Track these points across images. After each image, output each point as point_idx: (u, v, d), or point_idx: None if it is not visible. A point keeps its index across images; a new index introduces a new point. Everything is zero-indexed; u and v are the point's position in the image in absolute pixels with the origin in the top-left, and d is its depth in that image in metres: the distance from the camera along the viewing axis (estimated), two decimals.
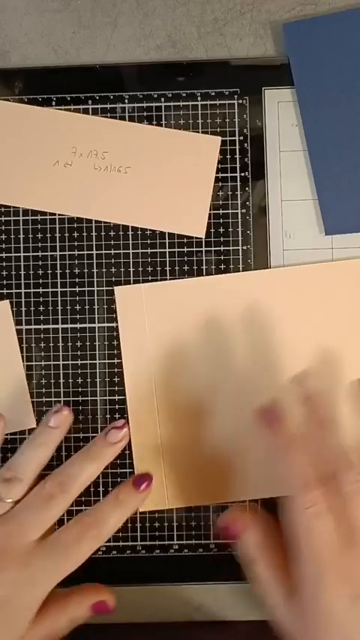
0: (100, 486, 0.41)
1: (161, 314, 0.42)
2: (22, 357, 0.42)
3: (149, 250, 0.42)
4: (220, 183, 0.42)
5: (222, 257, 0.42)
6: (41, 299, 0.43)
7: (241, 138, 0.42)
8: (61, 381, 0.42)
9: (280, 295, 0.42)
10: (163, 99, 0.43)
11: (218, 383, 0.42)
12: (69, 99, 0.43)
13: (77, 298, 0.43)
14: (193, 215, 0.42)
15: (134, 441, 0.41)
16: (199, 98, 0.43)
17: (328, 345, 0.41)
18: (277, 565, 0.35)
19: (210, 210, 0.42)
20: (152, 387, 0.42)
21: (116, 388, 0.42)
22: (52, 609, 0.36)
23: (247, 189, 0.42)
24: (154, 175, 0.42)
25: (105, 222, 0.43)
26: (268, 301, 0.42)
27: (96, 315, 0.42)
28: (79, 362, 0.42)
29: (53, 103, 0.43)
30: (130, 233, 0.43)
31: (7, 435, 0.42)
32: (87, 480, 0.39)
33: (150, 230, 0.42)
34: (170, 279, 0.42)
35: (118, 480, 0.42)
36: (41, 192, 0.42)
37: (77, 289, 0.43)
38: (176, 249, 0.42)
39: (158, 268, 0.42)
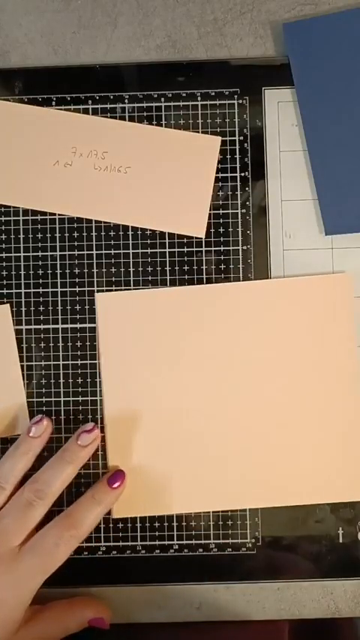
0: (82, 487, 0.41)
1: (142, 322, 0.42)
2: (22, 357, 0.42)
3: (149, 250, 0.42)
4: (220, 183, 0.42)
5: (222, 257, 0.42)
6: (41, 299, 0.43)
7: (241, 138, 0.42)
8: (61, 381, 0.42)
9: (266, 306, 0.41)
10: (163, 99, 0.43)
11: (199, 391, 0.41)
12: (69, 99, 0.43)
13: (77, 298, 0.43)
14: (193, 215, 0.42)
15: (110, 449, 0.41)
16: (199, 98, 0.43)
17: (318, 356, 0.41)
18: None
19: (210, 210, 0.42)
20: (130, 394, 0.41)
21: None
22: (49, 615, 0.39)
23: (247, 189, 0.42)
24: (154, 175, 0.42)
25: (105, 222, 0.43)
26: (252, 312, 0.41)
27: (96, 315, 0.42)
28: (78, 362, 0.42)
29: (53, 103, 0.43)
30: (130, 233, 0.43)
31: (3, 437, 0.42)
32: (63, 484, 0.39)
33: (150, 230, 0.42)
34: (170, 279, 0.42)
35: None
36: (41, 192, 0.42)
37: (77, 289, 0.43)
38: (176, 250, 0.42)
39: (158, 268, 0.42)
